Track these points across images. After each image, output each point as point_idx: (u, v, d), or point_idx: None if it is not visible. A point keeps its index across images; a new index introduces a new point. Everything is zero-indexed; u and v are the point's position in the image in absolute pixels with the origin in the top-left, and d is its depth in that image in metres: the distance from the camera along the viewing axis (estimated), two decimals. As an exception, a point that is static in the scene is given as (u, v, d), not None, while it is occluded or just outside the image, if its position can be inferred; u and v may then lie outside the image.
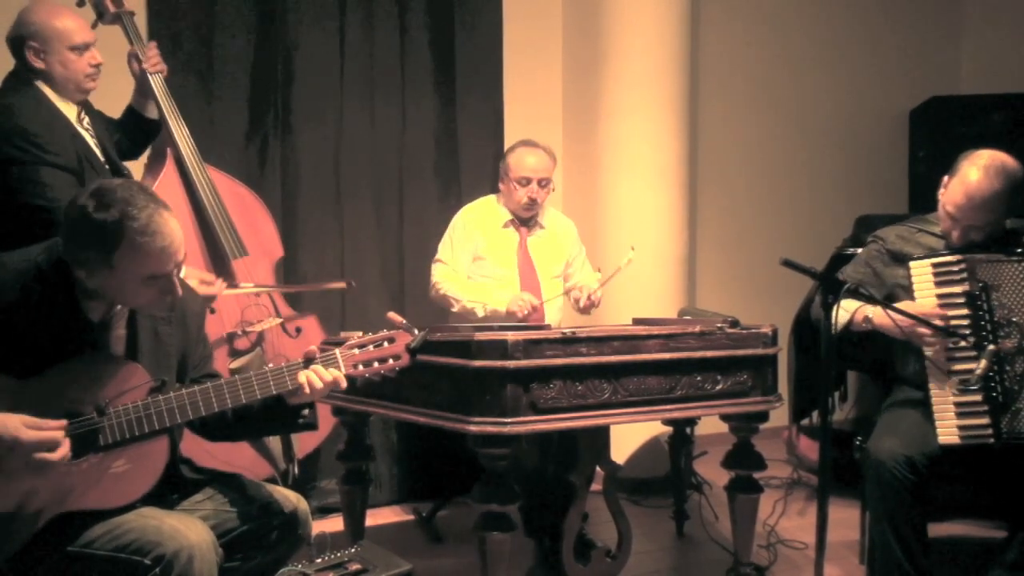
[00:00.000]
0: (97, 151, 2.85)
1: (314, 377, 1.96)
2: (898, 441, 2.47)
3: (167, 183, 3.06)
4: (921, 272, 2.56)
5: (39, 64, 2.74)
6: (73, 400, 1.81)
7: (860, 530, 3.07)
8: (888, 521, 2.46)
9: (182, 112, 3.28)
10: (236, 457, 2.97)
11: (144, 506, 1.87)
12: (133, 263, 1.82)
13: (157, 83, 3.07)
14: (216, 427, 2.08)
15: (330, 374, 1.97)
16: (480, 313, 3.40)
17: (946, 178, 2.60)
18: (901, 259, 2.67)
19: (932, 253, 2.61)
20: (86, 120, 2.88)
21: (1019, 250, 2.51)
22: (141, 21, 3.67)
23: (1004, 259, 2.48)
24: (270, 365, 1.96)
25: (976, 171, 2.51)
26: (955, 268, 2.52)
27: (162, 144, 3.13)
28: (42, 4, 2.84)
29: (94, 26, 3.04)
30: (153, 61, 3.06)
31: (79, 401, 1.81)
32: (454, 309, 3.47)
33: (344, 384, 1.99)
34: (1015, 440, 2.42)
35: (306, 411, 2.05)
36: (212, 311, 2.99)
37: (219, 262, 3.10)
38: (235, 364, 3.01)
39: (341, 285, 3.35)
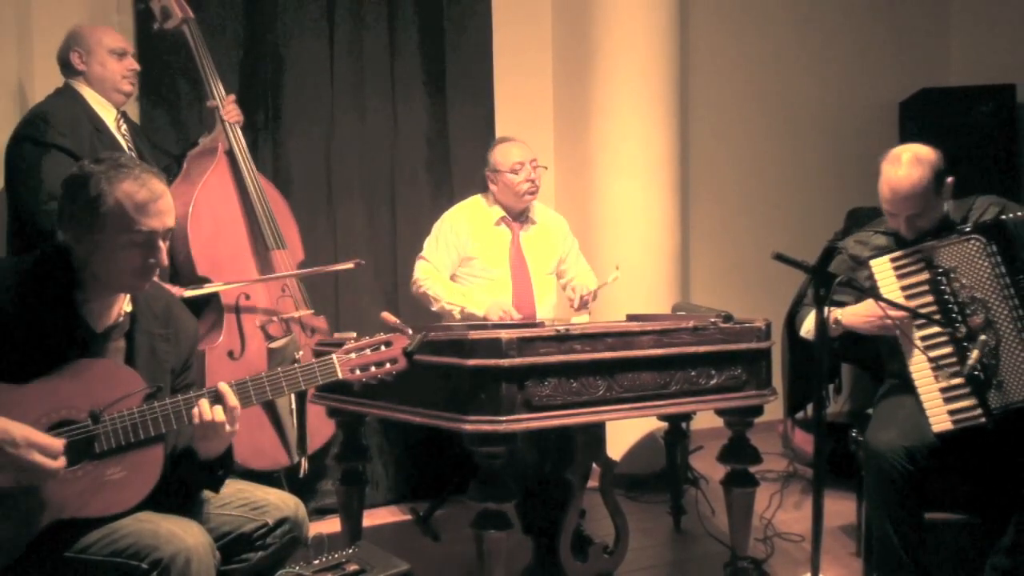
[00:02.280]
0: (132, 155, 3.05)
1: (203, 408, 1.85)
2: (897, 433, 2.48)
3: (220, 172, 3.31)
4: (882, 269, 2.63)
5: (81, 65, 3.08)
6: (68, 406, 1.80)
7: (856, 522, 3.08)
8: (887, 512, 2.48)
9: (172, 114, 3.61)
10: (260, 438, 3.14)
11: (141, 510, 1.86)
12: (118, 216, 1.82)
13: (235, 131, 3.32)
14: None
15: (216, 413, 1.84)
16: (457, 315, 3.41)
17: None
18: (862, 262, 2.73)
19: (889, 250, 2.68)
20: (124, 127, 3.15)
21: (966, 228, 2.58)
22: (129, 24, 3.68)
23: (953, 240, 2.55)
24: (299, 354, 1.97)
25: (892, 166, 2.62)
26: (912, 259, 2.59)
27: (214, 141, 3.35)
28: (88, 24, 3.27)
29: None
30: (231, 111, 3.34)
31: (74, 407, 1.80)
32: (433, 308, 3.49)
33: (238, 410, 1.88)
34: (1004, 412, 2.44)
35: (220, 472, 1.98)
36: (247, 297, 3.25)
37: (260, 251, 3.31)
38: (274, 345, 3.21)
39: (349, 265, 3.40)
